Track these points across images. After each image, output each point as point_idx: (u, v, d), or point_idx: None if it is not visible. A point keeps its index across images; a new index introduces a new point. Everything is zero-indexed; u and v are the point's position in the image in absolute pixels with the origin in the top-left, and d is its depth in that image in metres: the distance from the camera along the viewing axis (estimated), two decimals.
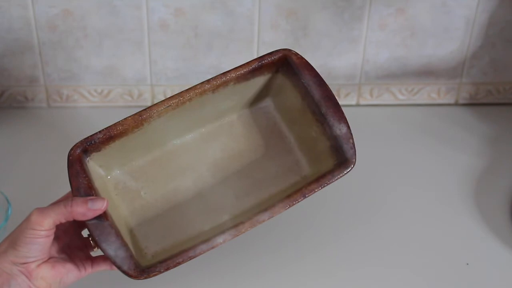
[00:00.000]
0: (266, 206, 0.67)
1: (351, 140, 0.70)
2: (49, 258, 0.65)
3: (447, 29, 1.03)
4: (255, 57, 1.02)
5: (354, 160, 0.69)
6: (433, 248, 0.82)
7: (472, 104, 1.10)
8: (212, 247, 0.65)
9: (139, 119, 0.69)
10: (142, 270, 0.63)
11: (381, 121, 1.06)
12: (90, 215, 0.64)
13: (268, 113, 0.77)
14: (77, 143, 0.68)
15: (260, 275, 0.77)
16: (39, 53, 1.00)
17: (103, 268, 0.68)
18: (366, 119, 1.06)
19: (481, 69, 1.07)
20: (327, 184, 0.68)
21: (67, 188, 0.88)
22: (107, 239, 0.64)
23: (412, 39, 1.03)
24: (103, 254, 0.66)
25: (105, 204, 0.65)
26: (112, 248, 0.63)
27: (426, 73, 1.07)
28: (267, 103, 0.77)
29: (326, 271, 0.78)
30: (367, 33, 1.02)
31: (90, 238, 0.67)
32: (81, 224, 0.69)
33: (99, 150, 0.69)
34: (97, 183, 0.69)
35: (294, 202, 0.67)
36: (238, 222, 0.66)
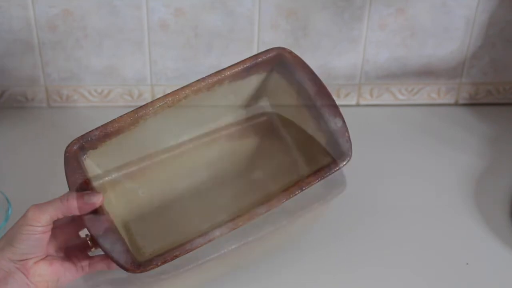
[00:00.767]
0: (264, 200, 0.67)
1: (346, 134, 0.71)
2: (46, 256, 0.65)
3: (447, 29, 1.03)
4: None
5: (350, 153, 0.70)
6: (433, 248, 0.81)
7: (472, 104, 1.10)
8: (209, 240, 0.65)
9: (135, 117, 0.69)
10: (139, 264, 0.63)
11: (381, 121, 1.06)
12: (86, 209, 0.65)
13: (264, 114, 0.77)
14: (73, 140, 0.68)
15: (260, 275, 0.77)
16: (39, 53, 1.00)
17: (100, 268, 0.68)
18: (366, 119, 1.06)
19: (481, 69, 1.07)
20: (324, 177, 0.69)
21: (67, 188, 0.88)
22: (103, 233, 0.64)
23: (412, 39, 1.03)
24: (100, 254, 0.66)
25: (100, 198, 0.65)
26: (108, 242, 0.64)
27: (426, 73, 1.07)
28: (263, 103, 0.77)
29: (326, 271, 0.78)
30: (367, 33, 1.02)
31: (88, 238, 0.67)
32: (80, 224, 0.69)
33: (96, 148, 0.69)
34: (94, 182, 0.69)
35: (291, 195, 0.68)
36: (235, 216, 0.66)
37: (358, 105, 1.09)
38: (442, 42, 1.04)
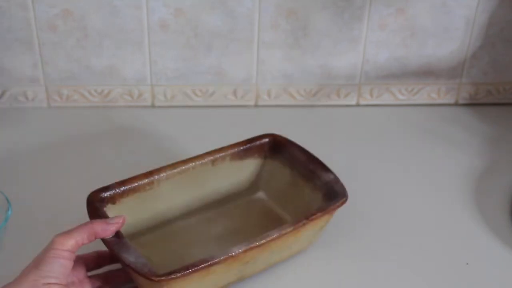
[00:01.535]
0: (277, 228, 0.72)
1: (339, 183, 0.78)
2: (67, 284, 0.65)
3: (447, 29, 1.03)
4: (255, 56, 1.03)
5: (346, 194, 0.76)
6: (433, 248, 0.81)
7: (472, 104, 1.10)
8: (229, 256, 0.68)
9: (150, 175, 0.77)
10: (161, 274, 0.65)
11: (381, 121, 1.06)
12: (110, 229, 0.68)
13: (262, 202, 0.85)
14: (95, 190, 0.75)
15: (263, 278, 0.77)
16: (39, 53, 1.00)
17: None
18: (366, 119, 1.06)
19: (481, 69, 1.07)
20: (327, 212, 0.75)
21: (67, 189, 0.89)
22: (126, 250, 0.67)
23: (412, 39, 1.03)
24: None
25: (122, 218, 0.69)
26: (132, 256, 0.67)
27: (426, 73, 1.07)
28: (260, 195, 0.86)
29: (325, 270, 0.78)
30: (367, 33, 1.02)
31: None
32: (101, 258, 0.72)
33: (114, 203, 0.75)
34: None
35: (300, 223, 0.73)
36: (251, 240, 0.70)
37: (358, 105, 1.09)
38: (442, 42, 1.04)
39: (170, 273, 0.65)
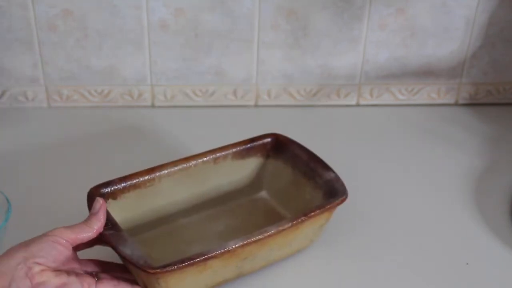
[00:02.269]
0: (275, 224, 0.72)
1: (340, 181, 0.78)
2: (55, 268, 0.65)
3: (447, 29, 1.03)
4: (255, 56, 1.03)
5: (346, 192, 0.76)
6: (433, 248, 0.81)
7: (472, 104, 1.10)
8: (226, 250, 0.68)
9: (151, 172, 0.78)
10: (157, 267, 0.65)
11: (381, 121, 1.06)
12: (97, 216, 0.69)
13: (265, 201, 0.86)
14: (96, 185, 0.75)
15: (263, 278, 0.77)
16: (39, 53, 1.01)
17: None
18: (366, 119, 1.06)
19: (481, 69, 1.07)
20: (327, 210, 0.75)
21: (67, 188, 0.88)
22: (123, 243, 0.68)
23: (412, 39, 1.03)
24: (107, 277, 0.68)
25: (100, 201, 0.70)
26: (128, 249, 0.67)
27: (426, 73, 1.07)
28: (263, 194, 0.86)
29: (325, 269, 0.78)
30: (367, 33, 1.02)
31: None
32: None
33: (116, 199, 0.75)
34: None
35: (298, 220, 0.73)
36: (248, 236, 0.70)
37: (358, 105, 1.09)
38: (442, 42, 1.04)
39: (165, 266, 0.65)
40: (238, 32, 1.01)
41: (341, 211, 0.79)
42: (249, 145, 0.84)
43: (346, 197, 0.76)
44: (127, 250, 0.67)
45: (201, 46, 1.02)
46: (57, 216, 0.83)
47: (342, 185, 0.78)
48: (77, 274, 0.66)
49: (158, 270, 0.65)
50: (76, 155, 0.95)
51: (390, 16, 1.01)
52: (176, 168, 0.79)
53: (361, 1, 0.99)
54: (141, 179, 0.77)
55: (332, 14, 1.00)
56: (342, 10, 1.00)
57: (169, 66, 1.03)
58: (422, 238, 0.83)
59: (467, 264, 0.79)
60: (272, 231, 0.71)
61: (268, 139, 0.85)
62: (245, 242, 0.69)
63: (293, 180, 0.83)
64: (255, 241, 0.70)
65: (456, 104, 1.10)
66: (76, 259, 0.68)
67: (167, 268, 0.65)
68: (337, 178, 0.79)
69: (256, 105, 1.08)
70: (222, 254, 0.68)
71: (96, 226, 0.68)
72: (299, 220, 0.72)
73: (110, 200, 0.74)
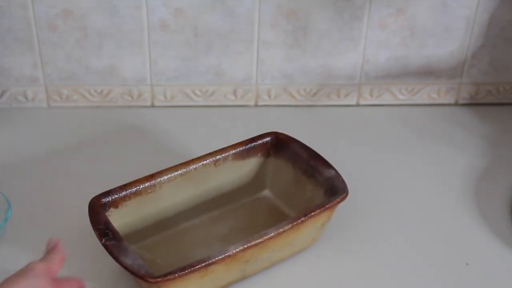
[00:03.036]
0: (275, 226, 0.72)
1: (340, 178, 0.78)
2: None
3: (447, 29, 1.03)
4: (255, 56, 1.03)
5: (346, 190, 0.77)
6: (433, 248, 0.81)
7: (472, 104, 1.10)
8: (227, 255, 0.68)
9: (151, 178, 0.77)
10: (158, 276, 0.65)
11: (381, 121, 1.06)
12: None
13: (268, 200, 0.86)
14: (97, 195, 0.74)
15: (264, 278, 0.77)
16: (39, 53, 1.00)
17: None
18: (366, 119, 1.06)
19: (481, 69, 1.07)
20: (326, 209, 0.75)
21: (67, 188, 0.89)
22: (124, 253, 0.67)
23: (412, 39, 1.03)
24: None
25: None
26: (129, 259, 0.67)
27: (426, 73, 1.07)
28: (266, 193, 0.86)
29: (327, 268, 0.78)
30: (367, 33, 1.02)
31: None
32: None
33: (117, 207, 0.75)
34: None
35: (298, 221, 0.73)
36: (248, 239, 0.70)
37: (358, 105, 1.09)
38: (442, 42, 1.04)
39: (166, 274, 0.65)
40: (238, 32, 1.01)
41: (342, 210, 0.79)
42: (249, 145, 0.84)
43: (347, 195, 0.76)
44: (128, 260, 0.66)
45: (201, 46, 1.02)
46: (57, 216, 0.83)
47: (343, 182, 0.78)
48: None
49: (159, 279, 0.64)
50: (76, 155, 0.95)
51: (390, 16, 1.01)
52: (176, 173, 0.79)
53: (361, 1, 0.99)
54: (141, 186, 0.77)
55: (332, 14, 1.00)
56: (342, 10, 1.00)
57: (169, 66, 1.03)
58: (422, 238, 0.83)
59: (467, 264, 0.79)
60: (272, 234, 0.70)
61: (268, 138, 0.85)
62: (245, 246, 0.69)
63: (294, 178, 0.83)
64: (256, 245, 0.70)
65: (456, 104, 1.10)
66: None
67: (168, 277, 0.65)
68: (338, 176, 0.79)
69: (256, 105, 1.08)
70: (223, 259, 0.68)
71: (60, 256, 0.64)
72: (299, 220, 0.72)
73: (111, 209, 0.74)
